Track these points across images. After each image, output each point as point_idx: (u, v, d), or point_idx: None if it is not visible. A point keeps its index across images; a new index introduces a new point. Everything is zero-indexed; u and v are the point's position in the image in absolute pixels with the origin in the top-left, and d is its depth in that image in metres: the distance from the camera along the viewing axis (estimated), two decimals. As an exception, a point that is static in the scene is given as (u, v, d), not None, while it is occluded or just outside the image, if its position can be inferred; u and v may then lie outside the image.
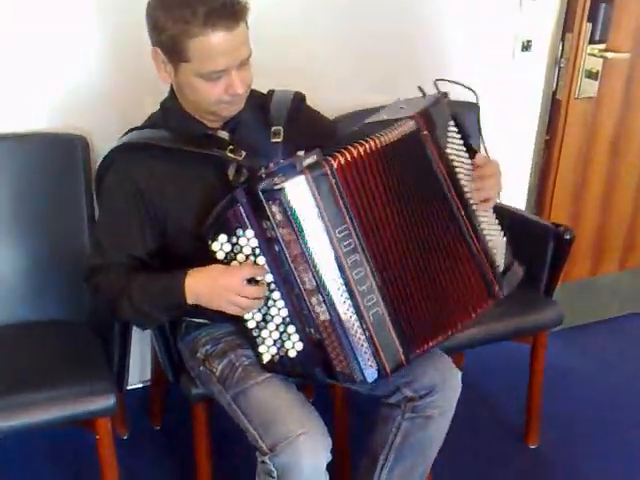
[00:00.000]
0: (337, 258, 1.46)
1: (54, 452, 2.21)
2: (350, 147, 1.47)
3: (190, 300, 1.54)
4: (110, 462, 1.81)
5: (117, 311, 1.59)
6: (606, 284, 2.87)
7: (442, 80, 1.63)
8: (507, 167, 1.70)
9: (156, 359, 2.15)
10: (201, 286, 1.53)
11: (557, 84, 2.53)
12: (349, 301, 1.48)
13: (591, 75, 2.47)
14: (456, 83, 1.64)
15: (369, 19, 2.25)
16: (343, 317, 1.49)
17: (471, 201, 1.60)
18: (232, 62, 1.49)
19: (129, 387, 2.13)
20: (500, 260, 1.66)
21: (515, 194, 2.66)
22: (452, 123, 1.60)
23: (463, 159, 1.61)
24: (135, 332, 1.92)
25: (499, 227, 1.69)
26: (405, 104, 1.62)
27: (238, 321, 1.57)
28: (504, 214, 1.72)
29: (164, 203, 1.59)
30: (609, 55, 2.44)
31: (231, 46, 1.47)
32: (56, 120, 2.04)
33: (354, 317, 1.49)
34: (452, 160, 1.58)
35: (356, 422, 2.01)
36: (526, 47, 2.48)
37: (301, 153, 1.47)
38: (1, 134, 1.98)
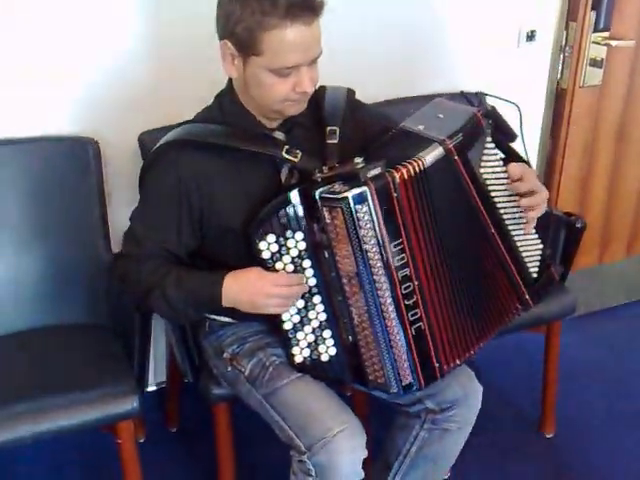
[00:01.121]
0: (389, 271, 1.45)
1: (74, 456, 2.20)
2: (405, 164, 1.45)
3: (226, 303, 1.52)
4: (133, 466, 1.79)
5: (147, 302, 1.56)
6: (613, 272, 2.88)
7: (486, 94, 1.62)
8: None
9: (172, 359, 2.14)
10: (238, 290, 1.51)
11: (562, 73, 2.53)
12: (394, 314, 1.47)
13: (596, 63, 2.47)
14: (499, 98, 1.64)
15: (377, 12, 2.24)
16: (387, 329, 1.49)
17: (505, 216, 1.60)
18: (305, 59, 1.46)
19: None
20: (534, 268, 1.68)
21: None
22: (489, 139, 1.58)
23: (499, 174, 1.60)
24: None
25: (535, 235, 1.69)
26: (443, 112, 1.60)
27: (269, 321, 1.56)
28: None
29: (210, 200, 1.56)
30: (613, 43, 2.44)
31: (307, 42, 1.44)
32: (67, 123, 2.02)
33: (397, 329, 1.49)
34: (486, 179, 1.57)
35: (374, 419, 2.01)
36: (530, 37, 2.48)
37: (359, 160, 1.46)
38: (13, 138, 1.97)
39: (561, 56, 2.51)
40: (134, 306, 1.75)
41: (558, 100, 2.56)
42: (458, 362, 1.57)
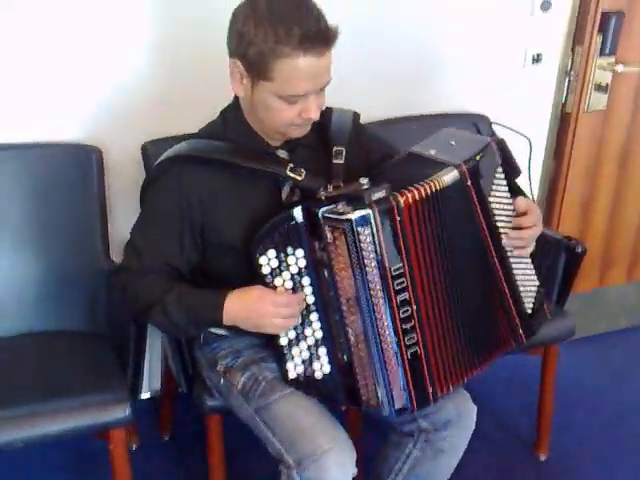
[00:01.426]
0: (388, 294, 1.45)
1: (65, 461, 2.20)
2: (411, 188, 1.45)
3: (227, 322, 1.52)
4: (124, 472, 1.79)
5: (147, 317, 1.56)
6: (613, 296, 2.88)
7: (497, 124, 1.62)
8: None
9: (166, 368, 2.14)
10: (239, 310, 1.51)
11: (567, 97, 2.53)
12: (391, 337, 1.47)
13: (600, 88, 2.48)
14: (510, 129, 1.64)
15: (381, 31, 2.25)
16: (383, 352, 1.48)
17: (507, 248, 1.61)
18: (314, 88, 1.47)
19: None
20: (529, 303, 1.68)
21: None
22: (500, 170, 1.59)
23: (505, 205, 1.61)
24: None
25: (533, 271, 1.70)
26: (455, 139, 1.60)
27: (265, 335, 1.55)
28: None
29: (212, 216, 1.57)
30: (619, 68, 2.44)
31: (317, 72, 1.44)
32: (71, 131, 2.03)
33: (392, 352, 1.48)
34: (493, 209, 1.57)
35: (367, 435, 2.01)
36: (536, 59, 2.48)
37: (364, 181, 1.46)
38: (17, 144, 1.98)
39: (566, 80, 2.51)
40: (131, 319, 1.76)
41: (562, 124, 2.57)
42: (452, 388, 1.57)
